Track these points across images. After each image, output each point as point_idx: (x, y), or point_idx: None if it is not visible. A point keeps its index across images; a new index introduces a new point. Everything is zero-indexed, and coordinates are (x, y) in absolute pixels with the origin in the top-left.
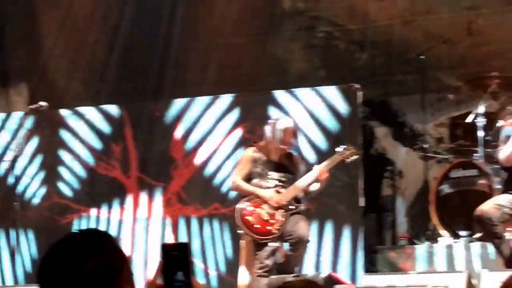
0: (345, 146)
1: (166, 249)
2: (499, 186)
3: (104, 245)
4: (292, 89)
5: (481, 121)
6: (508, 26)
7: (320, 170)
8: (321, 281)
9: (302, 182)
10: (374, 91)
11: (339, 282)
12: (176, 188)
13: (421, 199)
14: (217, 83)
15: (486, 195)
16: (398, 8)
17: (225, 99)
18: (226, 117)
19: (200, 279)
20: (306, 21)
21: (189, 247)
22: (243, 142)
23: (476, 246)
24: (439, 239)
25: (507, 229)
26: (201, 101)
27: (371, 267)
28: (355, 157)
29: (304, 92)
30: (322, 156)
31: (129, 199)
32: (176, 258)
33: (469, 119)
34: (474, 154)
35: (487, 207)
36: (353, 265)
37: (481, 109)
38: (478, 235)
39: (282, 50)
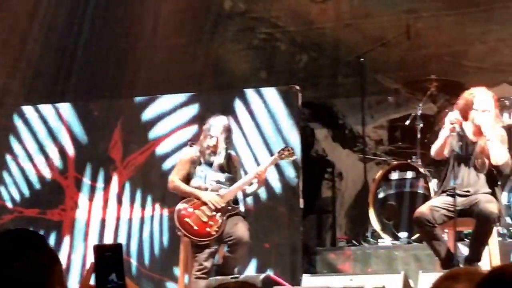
0: (284, 147)
1: (99, 250)
2: (437, 188)
3: (35, 245)
4: (233, 90)
5: (419, 124)
6: (446, 29)
7: (259, 170)
8: (260, 282)
9: (241, 183)
10: (315, 93)
11: (277, 283)
12: (116, 189)
13: (360, 200)
14: (157, 83)
15: (424, 197)
16: (339, 10)
17: (166, 100)
18: (167, 118)
19: (138, 280)
20: (247, 22)
21: (122, 248)
22: (185, 144)
23: (414, 248)
24: (378, 240)
25: (445, 230)
26: (141, 101)
27: (310, 268)
28: (294, 157)
29: (244, 93)
30: (261, 157)
31: (68, 200)
32: (109, 259)
33: (407, 121)
34: (413, 156)
35: (425, 209)
36: (292, 266)
37: (420, 111)
38: (416, 236)
39: (223, 51)
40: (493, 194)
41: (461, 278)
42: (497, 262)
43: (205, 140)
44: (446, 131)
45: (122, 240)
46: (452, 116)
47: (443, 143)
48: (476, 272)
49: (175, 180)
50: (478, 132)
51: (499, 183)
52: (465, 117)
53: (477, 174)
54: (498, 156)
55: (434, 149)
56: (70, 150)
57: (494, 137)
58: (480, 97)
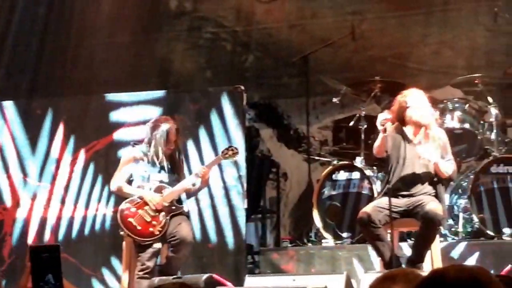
0: (228, 147)
1: (35, 251)
2: (380, 189)
3: None
4: (178, 90)
5: (363, 125)
6: (390, 31)
7: (203, 170)
8: (203, 282)
9: (185, 182)
10: (260, 93)
11: (220, 283)
12: (59, 188)
13: (304, 201)
14: (100, 82)
15: (367, 198)
16: (284, 11)
17: (111, 98)
18: (112, 116)
19: (81, 281)
20: (193, 22)
21: (59, 249)
22: (127, 143)
23: (357, 248)
24: (321, 240)
25: (388, 231)
26: (84, 100)
27: (253, 269)
28: (238, 157)
29: (189, 92)
30: (206, 156)
31: (9, 199)
32: (46, 260)
33: (352, 122)
34: (357, 157)
35: (368, 209)
36: (235, 267)
37: (364, 112)
38: (359, 236)
39: (168, 50)
40: (436, 195)
41: (397, 279)
42: (438, 263)
43: (150, 140)
44: (381, 132)
45: (64, 240)
46: (382, 117)
47: (380, 143)
48: (412, 273)
49: (118, 181)
50: (418, 130)
51: (442, 184)
52: (402, 120)
53: (420, 174)
54: (446, 171)
55: (374, 148)
56: (12, 148)
57: (437, 157)
58: (412, 96)
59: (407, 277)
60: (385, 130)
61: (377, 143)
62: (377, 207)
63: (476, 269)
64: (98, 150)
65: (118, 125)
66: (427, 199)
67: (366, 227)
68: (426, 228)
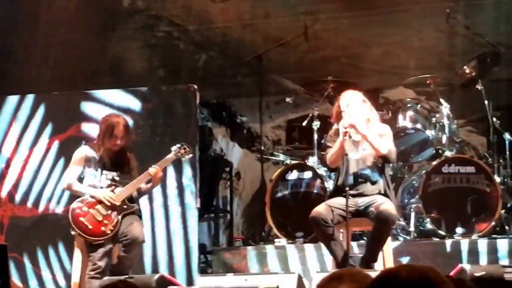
0: (180, 145)
1: None
2: (332, 188)
3: None
4: (130, 88)
5: (316, 125)
6: (343, 31)
7: (155, 169)
8: (154, 282)
9: (136, 181)
10: (213, 93)
11: (172, 283)
12: (8, 187)
13: (257, 200)
14: (53, 80)
15: (320, 197)
16: (238, 10)
17: (58, 97)
18: (60, 116)
19: (32, 281)
20: (146, 20)
21: (6, 249)
22: (77, 141)
23: (310, 247)
24: (274, 240)
25: (341, 230)
26: (37, 98)
27: (206, 268)
28: (190, 156)
29: (142, 91)
30: (158, 155)
31: None
32: None
33: (305, 122)
34: (309, 157)
35: (321, 208)
36: (187, 266)
37: (317, 112)
38: (312, 236)
39: (121, 48)
40: (385, 194)
41: (344, 279)
42: (390, 262)
43: (110, 140)
44: (340, 136)
45: (14, 239)
46: (345, 121)
47: (339, 149)
48: (359, 273)
49: (69, 179)
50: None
51: (391, 183)
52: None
53: (368, 174)
54: (380, 147)
55: (329, 157)
56: None
57: (370, 133)
58: (344, 98)
59: (354, 277)
60: (346, 134)
61: (333, 151)
62: (329, 206)
63: (427, 269)
64: (49, 148)
65: (72, 124)
66: (380, 199)
67: (319, 227)
68: (380, 228)
